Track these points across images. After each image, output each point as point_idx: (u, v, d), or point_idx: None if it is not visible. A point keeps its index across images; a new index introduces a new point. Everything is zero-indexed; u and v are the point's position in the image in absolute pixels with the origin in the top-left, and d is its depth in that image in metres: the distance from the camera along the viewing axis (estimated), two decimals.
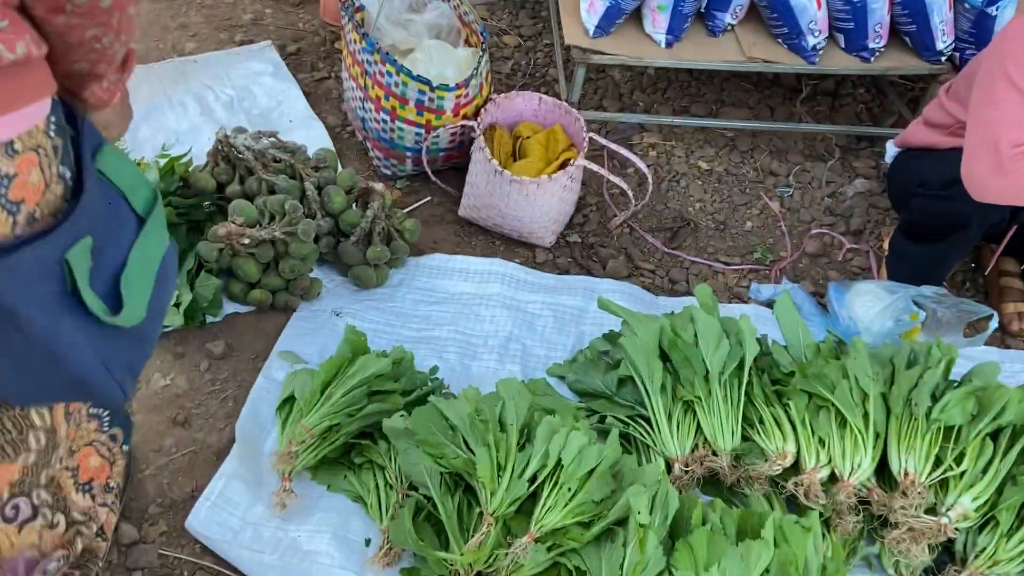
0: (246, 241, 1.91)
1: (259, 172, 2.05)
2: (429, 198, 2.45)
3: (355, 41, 2.29)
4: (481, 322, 2.09)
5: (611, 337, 1.95)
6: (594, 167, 2.18)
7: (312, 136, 2.56)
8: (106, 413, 1.35)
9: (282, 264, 1.99)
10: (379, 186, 2.08)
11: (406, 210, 2.35)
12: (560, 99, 2.44)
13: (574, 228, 2.39)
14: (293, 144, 2.15)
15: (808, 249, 2.39)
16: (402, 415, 1.65)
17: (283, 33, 3.02)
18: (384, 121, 2.30)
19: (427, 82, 2.15)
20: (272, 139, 2.10)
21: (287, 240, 1.96)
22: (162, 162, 2.09)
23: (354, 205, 2.14)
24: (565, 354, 2.04)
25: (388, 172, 2.46)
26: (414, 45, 2.37)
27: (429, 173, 2.38)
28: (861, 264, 2.37)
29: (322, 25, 3.07)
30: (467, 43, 2.53)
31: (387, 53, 2.18)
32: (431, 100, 2.19)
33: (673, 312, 1.96)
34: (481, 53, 2.28)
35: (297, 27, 3.06)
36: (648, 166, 2.41)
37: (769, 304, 2.17)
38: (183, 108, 2.63)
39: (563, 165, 2.25)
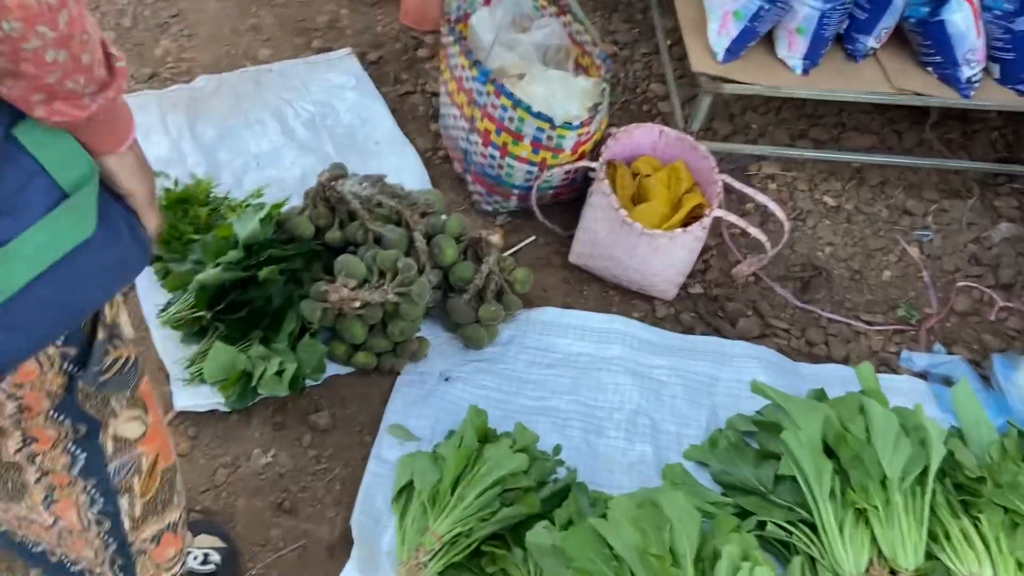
0: (357, 305, 1.70)
1: (366, 221, 1.84)
2: (533, 237, 2.23)
3: (463, 67, 2.05)
4: (604, 391, 1.88)
5: (763, 424, 1.74)
6: (732, 218, 1.95)
7: (404, 164, 2.34)
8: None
9: (391, 326, 1.79)
10: (495, 237, 1.86)
11: (510, 252, 2.14)
12: (667, 124, 2.20)
13: (695, 277, 2.16)
14: (401, 189, 1.93)
15: (956, 306, 2.16)
16: (546, 526, 1.45)
17: (361, 38, 2.78)
18: (492, 157, 2.07)
19: (549, 120, 1.92)
20: (380, 184, 1.87)
21: (399, 302, 1.75)
22: (256, 208, 1.87)
23: (464, 255, 1.92)
24: (699, 431, 1.83)
25: (488, 208, 2.24)
26: (524, 70, 2.13)
27: (537, 213, 2.16)
28: (1017, 326, 2.13)
29: (402, 29, 2.83)
30: (577, 64, 2.29)
31: (503, 85, 1.94)
32: (550, 138, 1.96)
33: (820, 387, 1.74)
34: (605, 85, 2.04)
35: (375, 31, 2.82)
36: (775, 200, 2.17)
37: (923, 375, 1.95)
38: (261, 127, 2.41)
39: (692, 211, 2.02)
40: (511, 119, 1.97)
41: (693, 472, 1.74)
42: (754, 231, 1.95)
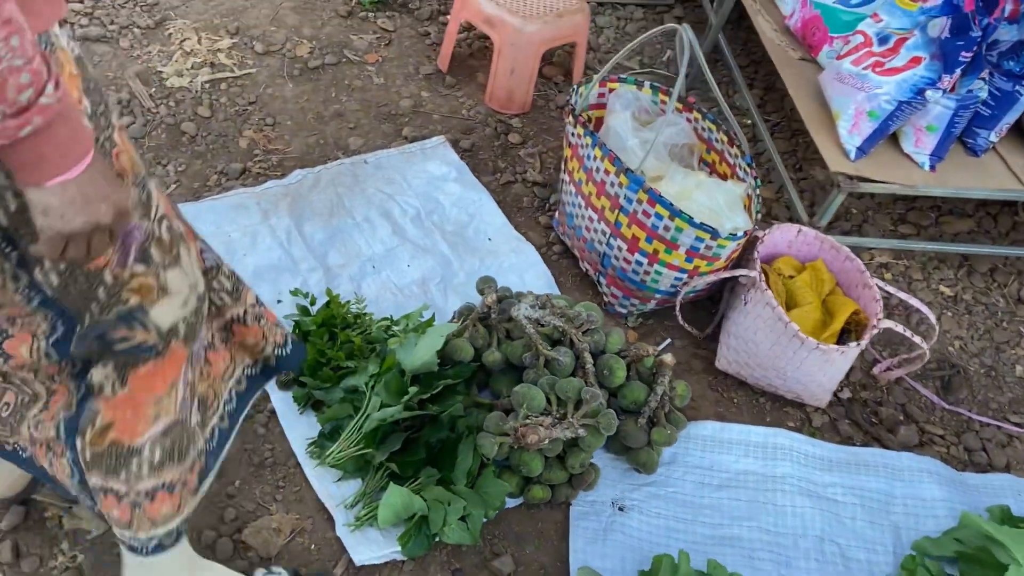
0: (546, 443, 1.60)
1: (540, 347, 1.74)
2: (670, 341, 2.16)
3: (606, 171, 1.98)
4: (783, 515, 1.81)
5: (968, 556, 1.68)
6: (900, 329, 1.91)
7: (524, 263, 2.25)
8: None
9: (570, 459, 1.69)
10: (668, 358, 1.79)
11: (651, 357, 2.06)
12: (776, 219, 2.17)
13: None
14: (565, 306, 1.84)
15: None
16: None
17: (449, 122, 2.70)
18: (639, 264, 2.00)
19: (712, 231, 1.86)
20: (550, 305, 1.78)
21: (586, 435, 1.66)
22: (419, 334, 1.75)
23: (628, 373, 1.84)
24: (887, 557, 1.77)
25: (622, 311, 2.16)
26: (661, 172, 2.07)
27: (680, 318, 2.09)
28: None
29: (489, 113, 2.75)
30: (701, 162, 2.24)
31: (659, 195, 1.88)
32: (708, 248, 1.90)
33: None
34: (757, 187, 2.00)
35: (461, 115, 2.74)
36: (893, 294, 2.15)
37: None
38: (370, 226, 2.30)
39: (852, 318, 1.98)
40: (667, 228, 1.90)
41: None
42: (918, 340, 1.91)
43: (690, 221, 1.86)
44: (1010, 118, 2.22)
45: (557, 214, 2.35)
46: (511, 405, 1.77)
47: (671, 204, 1.86)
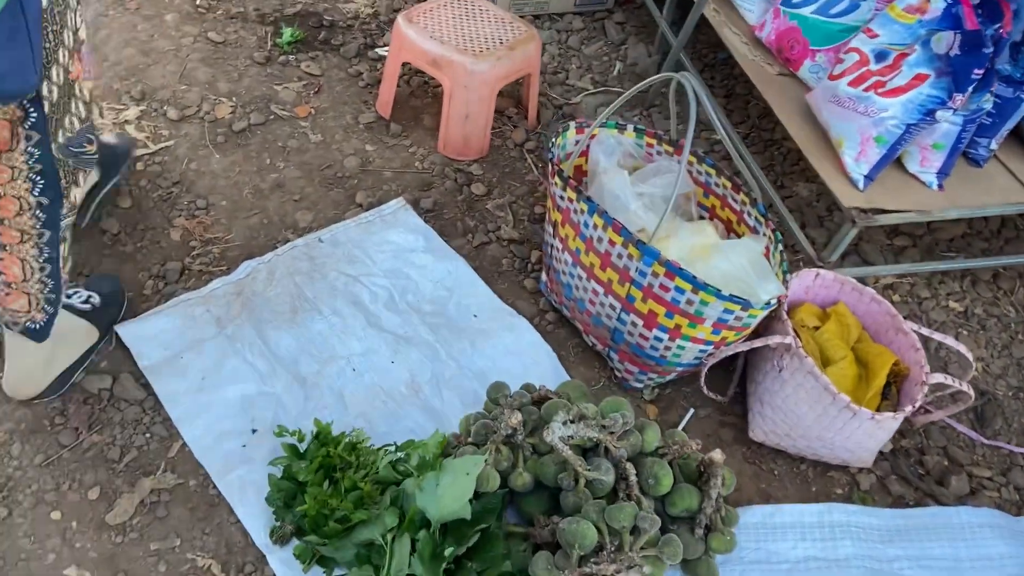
0: None
1: (580, 469, 1.52)
2: (692, 411, 1.97)
3: (612, 241, 1.77)
4: None
5: None
6: (949, 380, 1.76)
7: (520, 342, 2.02)
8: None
9: None
10: (718, 455, 1.59)
11: (676, 431, 1.87)
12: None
13: None
14: (597, 413, 1.62)
15: None
16: None
17: (404, 179, 2.43)
18: (658, 339, 1.80)
19: (743, 303, 1.66)
20: (583, 419, 1.56)
21: (652, 568, 1.46)
22: (437, 473, 1.50)
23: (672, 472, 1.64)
24: None
25: (638, 386, 1.96)
26: (672, 233, 1.86)
27: (705, 389, 1.91)
28: None
29: (445, 162, 2.49)
30: (699, 206, 2.05)
31: (679, 267, 1.67)
32: (738, 319, 1.71)
33: None
34: (779, 242, 1.81)
35: (415, 167, 2.47)
36: (904, 317, 2.01)
37: None
38: (341, 320, 2.02)
39: (895, 376, 1.83)
40: (690, 302, 1.70)
41: None
42: (966, 387, 1.78)
43: (718, 294, 1.66)
44: (1010, 124, 2.10)
45: (544, 277, 2.12)
46: (549, 536, 1.56)
47: (694, 277, 1.66)
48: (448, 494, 1.45)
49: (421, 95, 2.72)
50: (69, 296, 1.82)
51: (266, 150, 2.45)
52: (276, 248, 2.18)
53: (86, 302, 1.86)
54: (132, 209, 2.23)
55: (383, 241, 2.23)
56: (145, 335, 1.92)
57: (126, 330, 1.93)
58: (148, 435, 1.79)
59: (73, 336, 1.81)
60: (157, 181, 2.31)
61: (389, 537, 1.48)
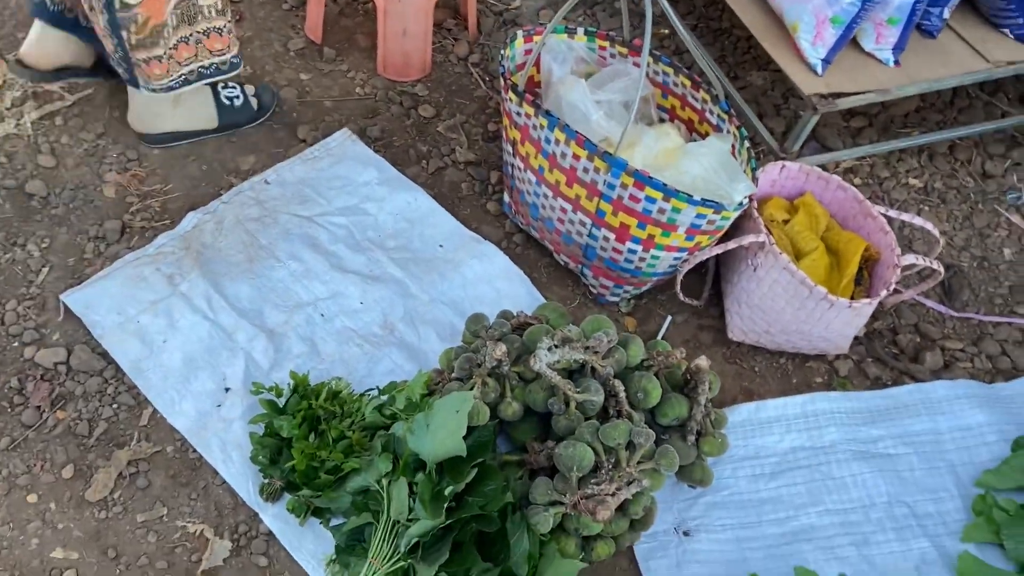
0: (608, 512, 1.39)
1: (569, 392, 1.50)
2: (670, 318, 1.96)
3: (576, 155, 1.70)
4: (845, 488, 1.70)
5: None
6: (923, 261, 1.77)
7: (492, 269, 1.97)
8: None
9: (633, 506, 1.50)
10: (704, 362, 1.58)
11: (659, 339, 1.86)
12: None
13: None
14: (581, 335, 1.59)
15: None
16: None
17: (346, 107, 2.31)
18: (632, 251, 1.76)
19: (716, 205, 1.63)
20: (568, 343, 1.53)
21: (649, 481, 1.46)
22: (427, 414, 1.46)
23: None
24: (955, 503, 1.70)
25: (614, 299, 1.94)
26: (636, 139, 1.80)
27: (681, 296, 1.89)
28: None
29: (388, 85, 2.37)
30: (658, 107, 1.99)
31: (648, 177, 1.62)
32: (711, 222, 1.68)
33: None
34: (744, 138, 1.77)
35: (356, 94, 2.35)
36: (867, 198, 2.01)
37: None
38: (301, 265, 1.94)
39: (866, 260, 1.83)
40: (661, 211, 1.66)
41: (978, 553, 1.62)
42: (936, 265, 1.79)
43: (689, 200, 1.62)
44: None
45: (508, 198, 2.05)
46: (545, 461, 1.55)
47: (664, 185, 1.61)
48: (440, 433, 1.42)
49: (352, 14, 2.56)
50: (224, 85, 2.14)
51: None
52: (220, 195, 2.06)
53: (229, 99, 2.14)
54: (57, 168, 2.08)
55: (334, 177, 2.12)
56: (94, 302, 1.82)
57: (73, 299, 1.82)
58: (115, 405, 1.71)
59: (197, 110, 2.10)
60: (79, 135, 2.15)
61: (385, 482, 1.45)
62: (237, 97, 2.15)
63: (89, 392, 1.72)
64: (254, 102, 2.18)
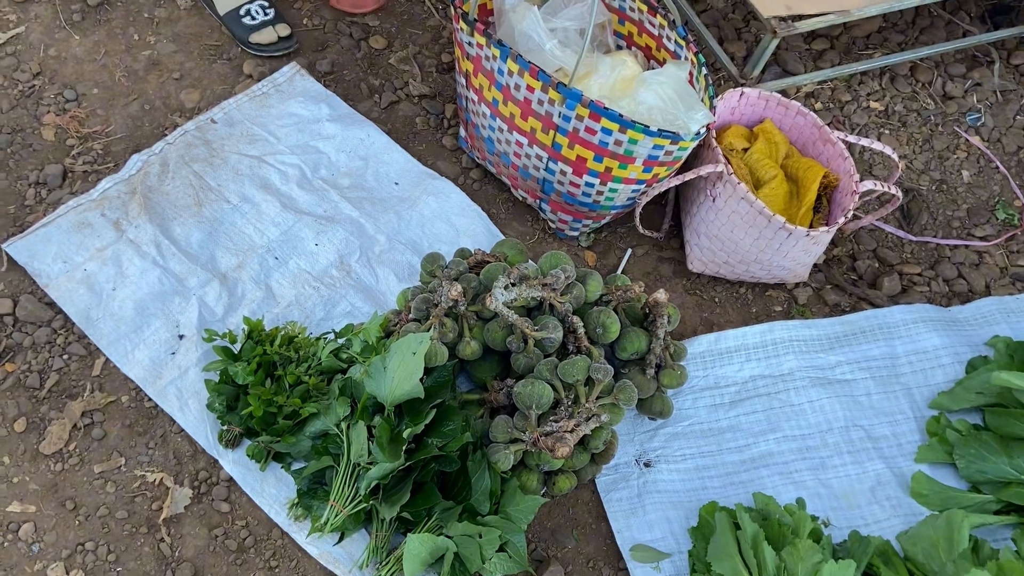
0: (567, 448, 1.40)
1: (527, 330, 1.49)
2: (630, 251, 1.94)
3: (530, 87, 1.65)
4: (803, 415, 1.72)
5: (999, 411, 1.65)
6: (881, 187, 1.76)
7: (446, 206, 1.93)
8: None
9: (593, 440, 1.50)
10: (662, 296, 1.58)
11: (618, 273, 1.84)
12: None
13: None
14: (536, 272, 1.57)
15: None
16: None
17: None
18: (589, 185, 1.73)
19: (672, 136, 1.59)
20: (524, 281, 1.51)
21: (609, 416, 1.47)
22: (383, 357, 1.45)
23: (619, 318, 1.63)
24: (910, 425, 1.73)
25: (574, 234, 1.91)
26: (591, 68, 1.75)
27: (640, 228, 1.87)
28: None
29: (337, 16, 2.28)
30: (615, 34, 1.93)
31: (604, 107, 1.58)
32: (668, 153, 1.65)
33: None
34: (702, 65, 1.72)
35: (304, 25, 2.26)
36: (827, 123, 2.00)
37: None
38: (253, 207, 1.89)
39: (825, 187, 1.81)
40: (618, 143, 1.62)
41: (931, 473, 1.66)
42: (894, 189, 1.78)
43: (646, 131, 1.58)
44: None
45: (463, 132, 2.00)
46: (504, 399, 1.54)
47: (620, 116, 1.57)
48: (398, 376, 1.41)
49: None
50: None
51: (132, 24, 2.19)
52: (165, 136, 1.99)
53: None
54: None
55: (283, 114, 2.05)
56: (39, 251, 1.76)
57: (16, 248, 1.76)
58: (66, 356, 1.68)
59: None
60: (14, 75, 2.05)
61: (344, 426, 1.44)
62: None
63: (38, 343, 1.68)
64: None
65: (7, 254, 1.77)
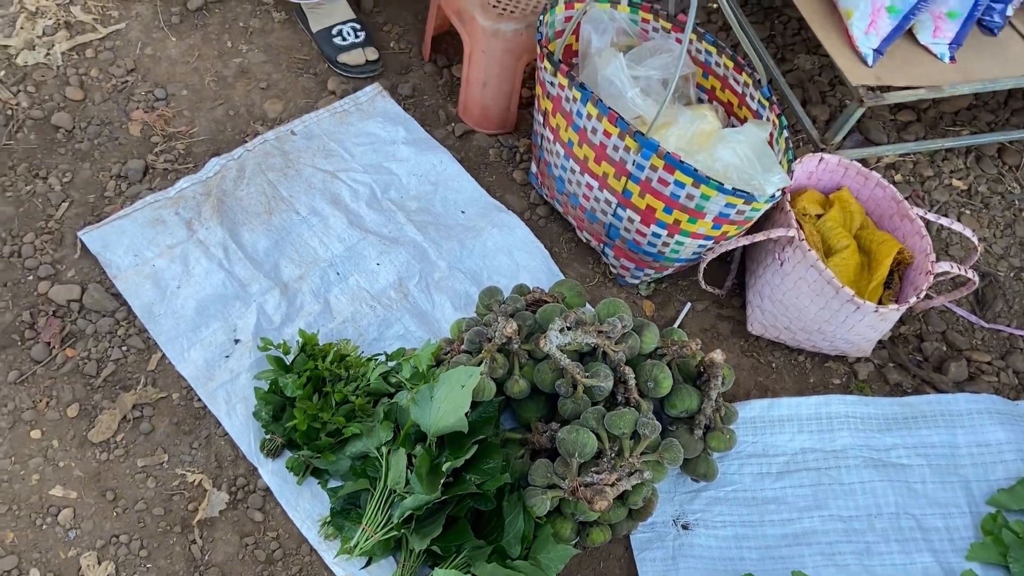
0: (606, 502, 1.37)
1: (577, 376, 1.47)
2: (689, 305, 1.91)
3: (607, 132, 1.65)
4: (853, 495, 1.66)
5: None
6: (954, 268, 1.71)
7: (512, 240, 1.93)
8: None
9: (633, 496, 1.47)
10: (719, 356, 1.55)
11: (676, 326, 1.81)
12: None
13: None
14: (594, 318, 1.55)
15: None
16: None
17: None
18: (656, 235, 1.72)
19: (746, 196, 1.57)
20: (581, 325, 1.49)
21: (652, 473, 1.44)
22: (431, 386, 1.44)
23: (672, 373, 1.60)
24: (964, 520, 1.66)
25: (635, 282, 1.90)
26: (671, 120, 1.74)
27: (703, 283, 1.84)
28: None
29: (423, 41, 2.31)
30: (698, 87, 1.92)
31: (679, 160, 1.56)
32: (740, 212, 1.62)
33: None
34: (783, 128, 1.70)
35: (390, 48, 2.29)
36: (906, 197, 1.94)
37: None
38: (320, 221, 1.92)
39: (898, 263, 1.77)
40: (690, 196, 1.60)
41: (982, 573, 1.58)
42: (971, 274, 1.72)
43: (720, 188, 1.56)
44: None
45: (534, 168, 2.01)
46: (547, 442, 1.52)
47: (695, 170, 1.56)
48: (444, 407, 1.40)
49: None
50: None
51: (227, 31, 2.25)
52: (245, 142, 2.03)
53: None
54: (84, 101, 2.06)
55: (361, 133, 2.08)
56: (112, 242, 1.81)
57: (91, 236, 1.82)
58: (124, 348, 1.71)
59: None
60: (110, 70, 2.13)
61: (384, 451, 1.44)
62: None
63: (100, 332, 1.72)
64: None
65: (82, 241, 1.82)
